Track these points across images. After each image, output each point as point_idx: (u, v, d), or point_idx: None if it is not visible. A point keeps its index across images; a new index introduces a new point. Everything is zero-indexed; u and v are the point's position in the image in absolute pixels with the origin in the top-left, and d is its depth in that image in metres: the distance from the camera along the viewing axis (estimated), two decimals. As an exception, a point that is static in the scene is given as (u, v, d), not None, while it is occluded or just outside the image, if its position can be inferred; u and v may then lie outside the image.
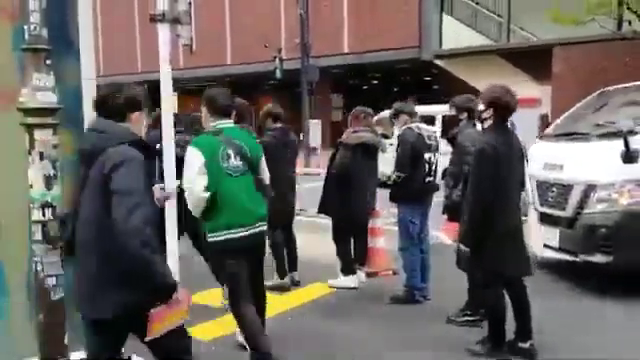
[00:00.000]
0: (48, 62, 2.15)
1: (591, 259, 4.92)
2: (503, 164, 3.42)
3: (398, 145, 4.61)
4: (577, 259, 5.09)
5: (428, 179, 4.58)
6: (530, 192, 5.72)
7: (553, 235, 5.31)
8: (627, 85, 6.07)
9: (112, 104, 2.17)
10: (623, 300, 4.65)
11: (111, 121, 2.16)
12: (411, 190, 4.51)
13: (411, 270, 4.63)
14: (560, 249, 5.26)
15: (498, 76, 16.90)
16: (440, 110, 14.08)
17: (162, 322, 2.14)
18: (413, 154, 4.47)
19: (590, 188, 4.97)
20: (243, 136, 3.26)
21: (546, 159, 5.64)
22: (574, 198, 5.09)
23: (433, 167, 4.61)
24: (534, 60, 15.36)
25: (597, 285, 4.97)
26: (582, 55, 12.12)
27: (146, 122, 2.31)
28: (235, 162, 3.09)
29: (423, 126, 4.73)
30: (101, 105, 2.19)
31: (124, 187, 2.02)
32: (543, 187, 5.56)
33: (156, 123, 3.75)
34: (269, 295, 3.67)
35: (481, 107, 3.61)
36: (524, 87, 16.25)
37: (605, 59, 11.25)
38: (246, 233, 3.09)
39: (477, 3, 19.03)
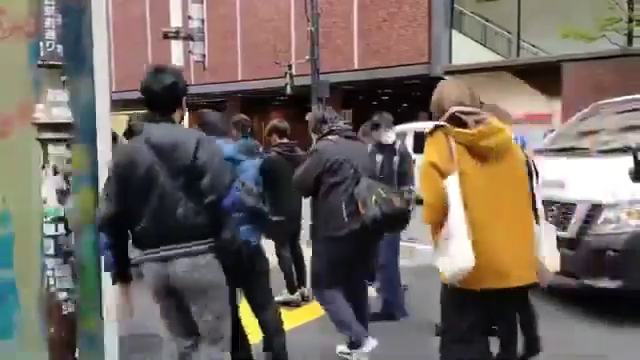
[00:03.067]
0: (63, 78, 2.18)
1: (597, 284, 4.61)
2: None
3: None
4: (580, 283, 4.78)
5: None
6: None
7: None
8: (620, 99, 5.84)
9: None
10: (628, 326, 4.45)
11: None
12: None
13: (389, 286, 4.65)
14: (561, 272, 4.96)
15: (508, 92, 16.90)
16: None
17: None
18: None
19: (595, 208, 4.67)
20: None
21: (545, 175, 5.33)
22: (577, 218, 4.78)
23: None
24: (544, 76, 15.35)
25: (601, 311, 4.75)
26: (592, 71, 12.10)
27: None
28: None
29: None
30: None
31: None
32: (542, 205, 5.32)
33: None
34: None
35: None
36: (534, 103, 16.26)
37: (615, 75, 11.23)
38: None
39: (487, 20, 19.09)
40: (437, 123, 2.70)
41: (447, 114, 2.69)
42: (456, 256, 2.49)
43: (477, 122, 2.66)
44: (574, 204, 4.84)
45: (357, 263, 3.82)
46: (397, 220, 3.73)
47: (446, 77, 19.01)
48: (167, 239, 2.47)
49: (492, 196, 2.63)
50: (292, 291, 4.98)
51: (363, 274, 4.05)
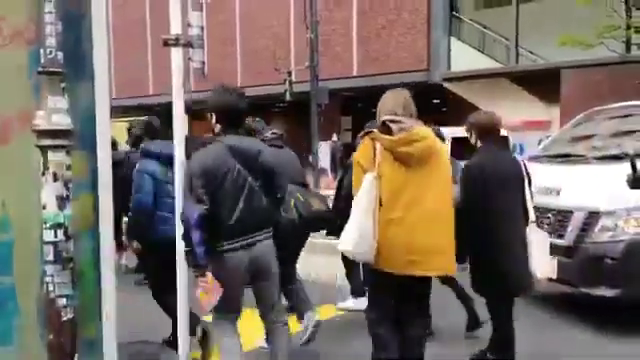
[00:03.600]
0: (63, 85, 2.19)
1: (594, 292, 4.56)
2: (489, 182, 3.52)
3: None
4: (577, 291, 4.74)
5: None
6: None
7: (550, 265, 4.68)
8: (615, 105, 5.80)
9: None
10: (625, 335, 4.42)
11: None
12: None
13: None
14: (558, 280, 4.83)
15: (506, 99, 16.96)
16: (449, 133, 14.13)
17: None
18: None
19: (592, 215, 4.62)
20: None
21: (540, 182, 5.06)
22: (574, 226, 4.74)
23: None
24: (542, 83, 15.40)
25: (597, 319, 4.72)
26: (590, 78, 12.13)
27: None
28: None
29: None
30: None
31: None
32: (537, 212, 4.93)
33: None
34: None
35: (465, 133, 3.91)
36: (532, 110, 16.31)
37: (613, 82, 11.27)
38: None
39: (485, 27, 19.16)
40: (367, 130, 3.30)
41: (379, 122, 3.22)
42: (358, 239, 3.00)
43: (401, 130, 3.12)
44: (571, 211, 4.79)
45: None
46: (317, 221, 4.31)
47: (445, 84, 19.10)
48: (252, 229, 3.15)
49: (409, 195, 3.06)
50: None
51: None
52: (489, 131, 3.73)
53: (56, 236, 2.18)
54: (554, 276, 4.73)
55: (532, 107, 16.54)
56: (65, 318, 2.20)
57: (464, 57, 18.93)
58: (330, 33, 20.28)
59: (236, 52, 24.20)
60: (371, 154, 3.12)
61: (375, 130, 3.18)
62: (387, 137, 3.12)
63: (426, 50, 19.35)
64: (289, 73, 19.46)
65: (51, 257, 2.18)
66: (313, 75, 18.04)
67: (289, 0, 22.34)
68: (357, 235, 2.99)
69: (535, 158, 5.91)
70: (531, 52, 18.00)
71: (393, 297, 3.19)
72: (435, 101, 22.92)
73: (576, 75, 12.41)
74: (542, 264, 3.58)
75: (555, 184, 5.04)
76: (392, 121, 3.16)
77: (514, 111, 16.22)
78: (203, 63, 3.25)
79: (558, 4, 15.89)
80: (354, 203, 3.07)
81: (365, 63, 20.76)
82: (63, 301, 2.19)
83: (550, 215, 4.96)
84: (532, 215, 3.61)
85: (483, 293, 3.69)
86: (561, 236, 4.81)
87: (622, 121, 5.53)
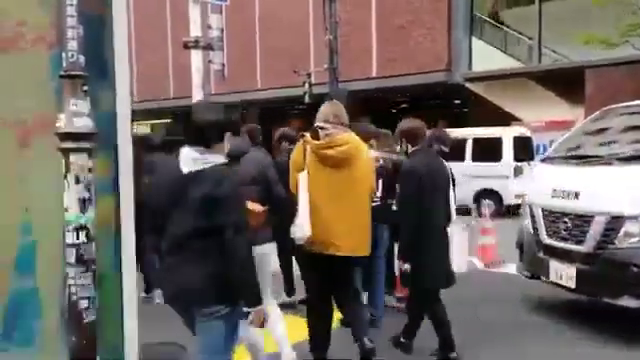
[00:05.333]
0: (85, 88, 2.20)
1: (617, 302, 4.31)
2: (422, 183, 4.00)
3: None
4: (596, 300, 4.52)
5: None
6: (529, 220, 5.11)
7: (567, 273, 4.61)
8: (631, 103, 5.54)
9: None
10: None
11: None
12: None
13: None
14: (577, 289, 4.60)
15: (529, 98, 16.75)
16: (471, 133, 14.00)
17: None
18: None
19: (615, 220, 4.36)
20: None
21: (555, 185, 4.97)
22: (594, 231, 4.48)
23: None
24: (566, 83, 15.19)
25: (616, 330, 4.49)
26: (615, 77, 11.95)
27: None
28: None
29: None
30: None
31: None
32: (552, 217, 4.87)
33: None
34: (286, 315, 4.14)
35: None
36: (556, 109, 16.07)
37: (638, 81, 11.07)
38: None
39: (507, 26, 18.95)
40: (302, 134, 3.89)
41: (312, 128, 3.81)
42: (298, 225, 3.60)
43: (326, 135, 3.74)
44: (591, 216, 4.53)
45: None
46: None
47: (466, 84, 18.93)
48: None
49: (329, 190, 3.71)
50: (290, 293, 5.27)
51: None
52: (417, 137, 4.25)
53: (78, 238, 2.19)
54: (573, 285, 4.60)
55: (555, 107, 16.31)
56: (87, 320, 2.21)
57: (486, 57, 18.75)
58: (349, 34, 20.23)
59: (255, 54, 24.28)
60: (302, 156, 3.77)
61: (307, 135, 3.80)
62: (313, 141, 3.74)
63: (446, 50, 19.20)
64: (308, 75, 19.46)
65: (73, 259, 2.19)
66: (332, 77, 18.02)
67: (308, 1, 22.34)
68: (298, 222, 3.62)
69: (548, 159, 5.65)
70: (554, 51, 17.76)
71: (319, 275, 3.87)
72: (456, 101, 22.77)
73: (600, 74, 12.24)
74: (460, 262, 4.20)
75: (572, 187, 4.78)
76: (321, 128, 3.76)
77: (537, 111, 16.02)
78: (223, 65, 3.25)
79: (581, 3, 15.66)
80: (298, 200, 3.67)
81: (385, 64, 20.68)
82: (85, 303, 2.20)
83: (567, 220, 4.71)
84: (454, 215, 4.13)
85: (408, 285, 4.27)
86: (580, 242, 4.57)
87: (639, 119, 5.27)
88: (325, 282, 3.92)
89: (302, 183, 3.64)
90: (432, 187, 4.04)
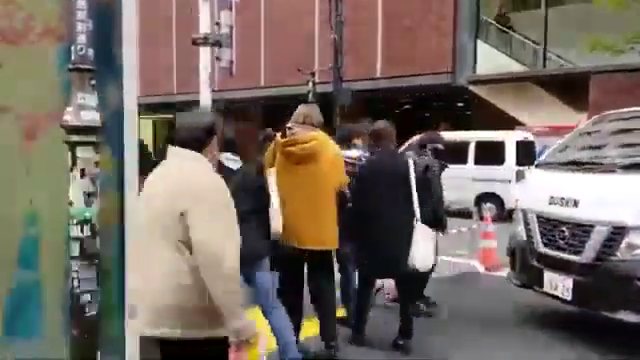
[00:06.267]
0: (93, 82, 2.20)
1: (617, 316, 4.14)
2: (371, 177, 4.38)
3: None
4: (592, 314, 4.37)
5: None
6: (522, 227, 4.98)
7: (563, 284, 4.46)
8: (627, 109, 5.33)
9: None
10: None
11: None
12: None
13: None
14: (573, 301, 4.44)
15: (533, 102, 16.73)
16: (474, 136, 13.98)
17: None
18: None
19: (617, 230, 4.18)
20: None
21: (552, 191, 4.78)
22: (594, 241, 4.28)
23: None
24: (570, 88, 15.17)
25: (614, 343, 4.38)
26: (620, 83, 11.93)
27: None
28: None
29: None
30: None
31: None
32: (549, 225, 4.70)
33: None
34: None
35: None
36: (560, 115, 16.04)
37: (644, 88, 11.05)
38: None
39: (514, 30, 18.92)
40: (275, 134, 4.17)
41: (282, 128, 4.06)
42: (273, 219, 3.79)
43: (292, 135, 4.02)
44: (591, 225, 4.34)
45: None
46: None
47: (470, 87, 18.91)
48: None
49: (292, 186, 3.94)
50: None
51: None
52: (381, 137, 4.52)
53: (82, 232, 2.19)
54: (569, 297, 4.43)
55: (559, 112, 16.28)
56: (89, 314, 2.21)
57: (490, 60, 18.72)
58: (354, 34, 20.22)
59: (260, 52, 24.26)
60: (272, 154, 4.10)
61: (275, 134, 4.15)
62: (278, 140, 4.06)
63: (451, 52, 19.17)
64: (312, 74, 19.44)
65: (77, 253, 2.20)
66: (336, 76, 18.01)
67: (314, 0, 22.33)
68: (275, 216, 3.80)
69: (543, 165, 5.48)
70: (559, 56, 17.73)
71: (289, 269, 4.08)
72: (459, 104, 22.75)
73: (606, 80, 12.21)
74: (425, 257, 4.23)
75: (571, 194, 4.57)
76: (289, 128, 4.04)
77: (541, 116, 16.00)
78: (231, 62, 3.24)
79: (587, 8, 15.63)
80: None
81: (389, 65, 20.66)
82: (87, 297, 2.21)
83: (565, 228, 4.52)
84: (417, 213, 4.26)
85: (357, 269, 4.61)
86: (578, 252, 4.38)
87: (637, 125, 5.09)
88: (295, 276, 4.16)
89: (271, 180, 3.88)
90: (383, 182, 4.33)
